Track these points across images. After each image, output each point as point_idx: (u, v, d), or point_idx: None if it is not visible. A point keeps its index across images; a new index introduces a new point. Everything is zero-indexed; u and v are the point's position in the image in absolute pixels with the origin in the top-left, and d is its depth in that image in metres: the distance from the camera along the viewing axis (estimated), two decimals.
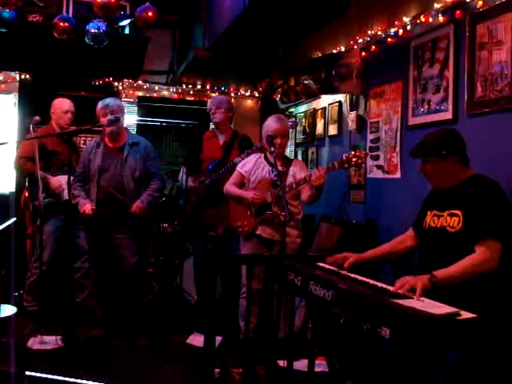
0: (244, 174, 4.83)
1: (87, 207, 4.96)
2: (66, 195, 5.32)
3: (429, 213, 3.19)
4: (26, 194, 5.65)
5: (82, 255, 5.43)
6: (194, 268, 5.70)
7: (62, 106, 5.59)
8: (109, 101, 5.13)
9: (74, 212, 5.10)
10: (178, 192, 5.96)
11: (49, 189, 5.33)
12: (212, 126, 7.23)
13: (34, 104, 6.70)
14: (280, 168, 4.55)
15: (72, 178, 4.94)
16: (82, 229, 5.32)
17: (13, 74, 7.03)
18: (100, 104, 5.10)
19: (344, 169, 4.26)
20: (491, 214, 2.85)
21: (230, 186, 4.90)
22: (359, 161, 4.08)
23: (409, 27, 4.39)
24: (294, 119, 6.79)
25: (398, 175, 4.66)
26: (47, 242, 5.35)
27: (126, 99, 7.27)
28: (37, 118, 5.30)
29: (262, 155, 4.83)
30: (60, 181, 5.37)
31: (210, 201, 5.30)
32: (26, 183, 5.59)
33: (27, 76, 7.01)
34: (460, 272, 2.78)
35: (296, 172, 4.70)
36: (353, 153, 4.11)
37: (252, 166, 4.81)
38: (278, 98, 6.93)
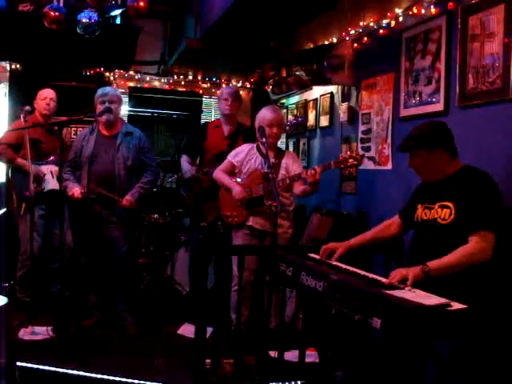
0: (236, 163, 4.81)
1: (76, 190, 4.93)
2: (49, 185, 5.33)
3: (419, 206, 3.20)
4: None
5: (62, 246, 5.41)
6: (190, 259, 5.71)
7: (41, 93, 5.61)
8: (108, 89, 5.17)
9: (58, 202, 5.07)
10: (179, 181, 5.89)
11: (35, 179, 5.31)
12: (207, 117, 7.29)
13: (24, 94, 6.64)
14: (272, 160, 4.55)
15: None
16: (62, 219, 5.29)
17: (3, 63, 6.99)
18: (99, 91, 5.11)
19: (340, 168, 4.26)
20: (484, 205, 2.86)
21: (219, 173, 4.88)
22: (355, 162, 4.07)
23: (401, 19, 4.39)
24: (299, 118, 6.75)
25: (389, 166, 4.68)
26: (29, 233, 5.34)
27: (117, 89, 7.23)
28: (27, 107, 5.30)
29: (255, 145, 4.80)
30: (41, 169, 5.37)
31: (213, 192, 5.26)
32: (9, 173, 5.58)
33: (18, 66, 6.97)
34: (453, 262, 2.79)
35: (289, 164, 4.70)
36: (349, 153, 4.11)
37: (244, 156, 4.80)
38: (269, 89, 6.92)
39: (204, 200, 5.34)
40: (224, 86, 5.70)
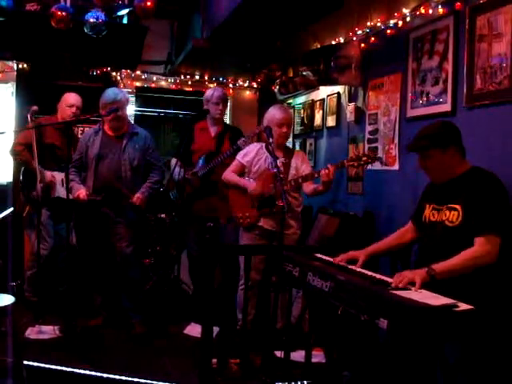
0: (245, 164, 4.78)
1: (81, 192, 4.94)
2: (57, 192, 5.34)
3: (427, 206, 3.19)
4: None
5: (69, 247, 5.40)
6: (189, 259, 5.71)
7: (68, 99, 5.56)
8: (120, 96, 5.04)
9: (63, 208, 5.09)
10: (169, 184, 5.87)
11: (42, 181, 5.29)
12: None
13: (31, 93, 6.68)
14: (283, 159, 4.56)
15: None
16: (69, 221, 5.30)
17: (10, 63, 7.00)
18: (110, 97, 5.01)
19: (354, 167, 4.26)
20: (491, 208, 2.85)
21: (229, 174, 4.85)
22: (369, 160, 4.06)
23: (408, 19, 4.38)
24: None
25: (396, 167, 4.66)
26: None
27: (124, 89, 7.23)
28: (34, 107, 5.29)
29: (263, 145, 4.78)
30: (54, 175, 5.37)
31: (202, 192, 5.28)
32: (20, 175, 5.58)
33: (25, 65, 6.97)
34: (458, 265, 2.79)
35: (298, 164, 4.70)
36: (362, 151, 4.12)
37: (253, 156, 4.77)
38: (276, 89, 6.91)
39: (193, 200, 5.37)
40: (212, 87, 5.66)
